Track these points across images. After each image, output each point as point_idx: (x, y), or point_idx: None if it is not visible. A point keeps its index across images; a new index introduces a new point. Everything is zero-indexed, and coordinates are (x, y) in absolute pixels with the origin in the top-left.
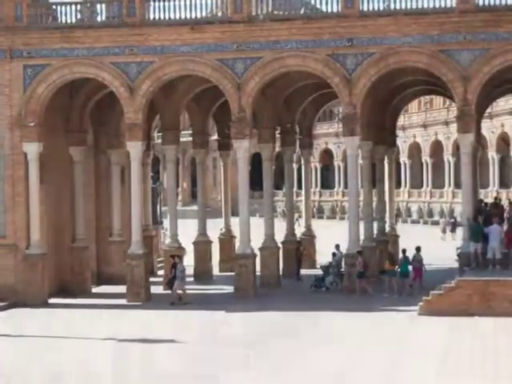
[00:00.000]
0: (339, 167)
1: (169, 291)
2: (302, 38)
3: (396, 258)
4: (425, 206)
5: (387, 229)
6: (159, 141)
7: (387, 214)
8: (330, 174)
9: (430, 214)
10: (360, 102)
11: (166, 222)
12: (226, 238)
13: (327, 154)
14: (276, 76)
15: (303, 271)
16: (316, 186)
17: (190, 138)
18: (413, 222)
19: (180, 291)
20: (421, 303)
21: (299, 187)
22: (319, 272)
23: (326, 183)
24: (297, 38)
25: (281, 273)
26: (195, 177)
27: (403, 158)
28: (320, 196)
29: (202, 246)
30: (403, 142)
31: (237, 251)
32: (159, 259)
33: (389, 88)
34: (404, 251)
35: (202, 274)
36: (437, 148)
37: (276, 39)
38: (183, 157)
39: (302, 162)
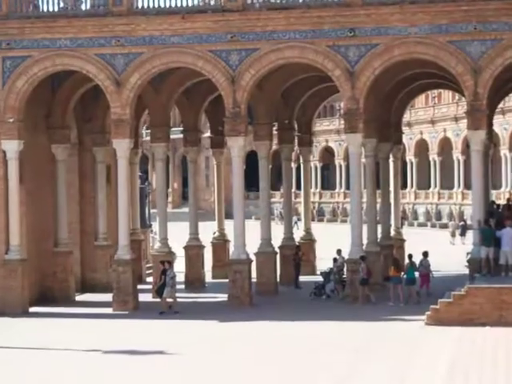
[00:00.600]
0: (341, 166)
1: (158, 299)
2: (300, 27)
3: (402, 263)
4: (432, 207)
5: (392, 233)
6: (148, 138)
7: (392, 217)
8: (331, 173)
9: (438, 216)
10: (363, 97)
11: (156, 226)
12: (220, 243)
13: (328, 153)
14: (273, 69)
15: (302, 278)
16: (316, 186)
17: (181, 135)
18: (420, 225)
19: (170, 299)
20: (428, 312)
21: (298, 188)
22: (319, 279)
23: (327, 183)
24: (295, 28)
25: (278, 280)
26: (186, 177)
27: (409, 157)
28: (320, 197)
29: (194, 250)
30: (409, 139)
31: (231, 256)
32: (148, 265)
33: (394, 82)
34: (410, 256)
35: (194, 281)
36: (445, 146)
37: (273, 29)
38: (173, 155)
39: (301, 160)
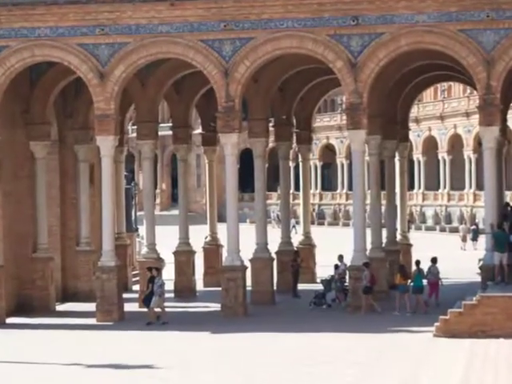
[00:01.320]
0: (342, 165)
1: (145, 309)
2: (299, 15)
3: (408, 270)
4: (442, 210)
5: (398, 237)
6: (134, 135)
7: (398, 220)
8: (332, 173)
9: (448, 219)
10: (367, 90)
11: (142, 229)
12: (212, 248)
13: (329, 151)
14: (269, 60)
15: (301, 286)
16: (316, 187)
17: (170, 132)
18: (428, 228)
19: (158, 309)
20: (437, 323)
21: (296, 188)
22: (319, 287)
23: (328, 184)
24: (293, 16)
25: (275, 288)
26: (176, 177)
27: (417, 155)
28: (320, 199)
29: (184, 256)
30: (417, 136)
31: (224, 263)
32: (134, 272)
33: (400, 74)
34: (418, 263)
35: (184, 290)
36: (456, 143)
37: (269, 17)
38: (162, 153)
39: (300, 159)
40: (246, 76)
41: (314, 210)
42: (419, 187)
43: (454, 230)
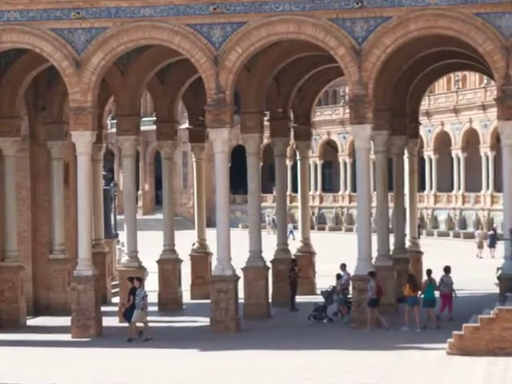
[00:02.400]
0: (345, 164)
1: (126, 324)
2: None
3: (419, 281)
4: (456, 214)
5: (407, 244)
6: (114, 130)
7: (407, 225)
8: (334, 172)
9: (463, 224)
10: (372, 81)
11: (123, 235)
12: (200, 256)
13: (330, 148)
14: (264, 47)
15: (299, 298)
16: (316, 188)
17: (154, 127)
18: (440, 234)
19: (140, 324)
20: (451, 340)
21: (294, 190)
22: (320, 299)
23: (329, 185)
24: None
25: (270, 300)
26: (160, 177)
27: (428, 153)
28: (321, 201)
29: (169, 265)
30: (428, 131)
31: (213, 272)
32: (114, 283)
33: (409, 62)
34: (429, 272)
35: (169, 302)
36: (471, 139)
37: None
38: (144, 150)
39: (298, 157)
40: (238, 65)
41: (313, 213)
42: (431, 188)
43: (470, 236)
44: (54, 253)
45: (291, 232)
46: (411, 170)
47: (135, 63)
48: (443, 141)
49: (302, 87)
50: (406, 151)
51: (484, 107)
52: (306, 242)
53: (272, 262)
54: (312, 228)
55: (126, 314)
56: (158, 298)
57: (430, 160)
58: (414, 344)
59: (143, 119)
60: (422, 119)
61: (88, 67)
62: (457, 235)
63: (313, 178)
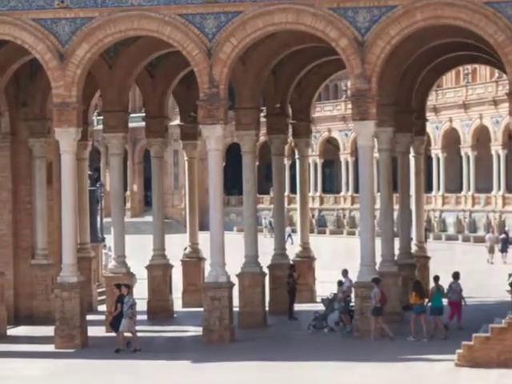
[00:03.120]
0: (347, 163)
1: (113, 334)
2: None
3: (425, 288)
4: (465, 216)
5: (414, 248)
6: (100, 127)
7: (413, 228)
8: (335, 172)
9: (473, 227)
10: (376, 74)
11: (110, 239)
12: (192, 261)
13: (331, 146)
14: (260, 38)
15: (298, 306)
16: (316, 188)
17: (143, 124)
18: (449, 238)
19: (128, 334)
20: (460, 350)
21: (292, 191)
22: (320, 307)
23: (330, 185)
24: None
25: (267, 308)
26: (149, 177)
27: (435, 151)
28: (321, 203)
29: (159, 271)
30: (435, 128)
31: (207, 279)
32: (100, 290)
33: (416, 55)
34: (436, 279)
35: (159, 311)
36: (482, 137)
37: None
38: (133, 149)
39: (297, 155)
40: (233, 57)
41: (313, 216)
42: (438, 189)
43: (480, 240)
44: (37, 258)
45: (289, 236)
46: (417, 170)
47: (123, 56)
48: (452, 138)
49: (300, 81)
50: (411, 149)
51: (495, 102)
52: (305, 246)
53: (269, 267)
54: (312, 231)
55: (114, 323)
56: (148, 306)
57: (438, 159)
58: (420, 355)
59: (131, 115)
60: (429, 115)
61: (72, 60)
62: (466, 239)
63: (312, 178)
